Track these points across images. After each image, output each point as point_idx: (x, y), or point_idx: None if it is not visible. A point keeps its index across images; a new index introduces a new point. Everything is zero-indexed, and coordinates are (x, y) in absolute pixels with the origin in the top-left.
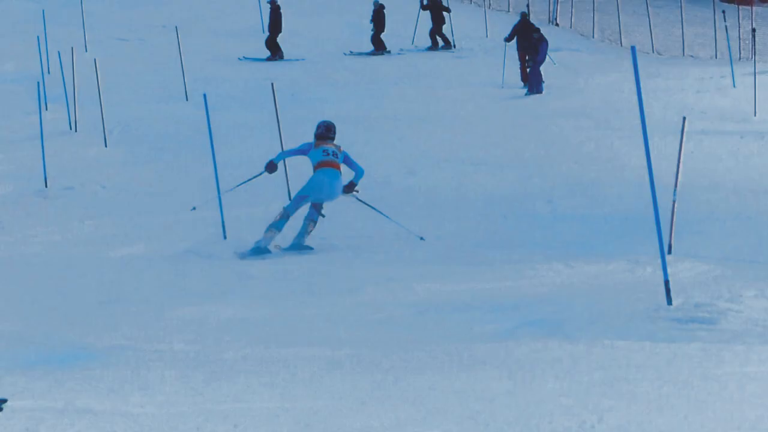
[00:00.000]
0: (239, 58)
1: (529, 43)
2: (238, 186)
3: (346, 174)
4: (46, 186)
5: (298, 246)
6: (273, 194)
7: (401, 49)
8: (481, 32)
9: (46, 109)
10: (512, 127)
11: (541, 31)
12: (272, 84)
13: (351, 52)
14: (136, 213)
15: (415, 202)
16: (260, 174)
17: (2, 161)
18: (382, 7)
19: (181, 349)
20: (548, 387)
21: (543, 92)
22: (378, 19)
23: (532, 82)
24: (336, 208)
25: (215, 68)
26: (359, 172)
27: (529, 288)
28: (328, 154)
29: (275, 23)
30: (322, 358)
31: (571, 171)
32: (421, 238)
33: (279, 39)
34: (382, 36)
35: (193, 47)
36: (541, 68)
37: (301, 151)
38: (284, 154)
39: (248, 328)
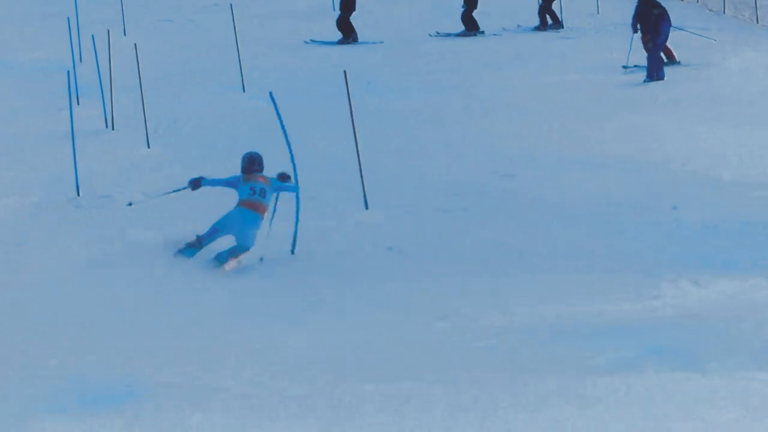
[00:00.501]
0: (306, 42)
1: (648, 21)
2: (160, 196)
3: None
4: (78, 194)
5: (221, 258)
6: (348, 202)
7: (502, 28)
8: (591, 8)
9: (78, 104)
10: (627, 121)
11: (663, 6)
12: (345, 72)
13: (437, 33)
14: (186, 225)
15: (513, 211)
16: (183, 188)
17: (28, 165)
18: None
19: (242, 390)
20: (677, 429)
21: (665, 79)
22: None
23: (652, 67)
24: (410, 214)
25: (277, 54)
26: (295, 189)
27: (650, 310)
28: (255, 193)
29: (348, 0)
30: (414, 396)
31: (699, 173)
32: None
33: (352, 18)
34: (474, 14)
35: (250, 29)
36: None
37: (228, 183)
38: (216, 182)
39: (325, 359)
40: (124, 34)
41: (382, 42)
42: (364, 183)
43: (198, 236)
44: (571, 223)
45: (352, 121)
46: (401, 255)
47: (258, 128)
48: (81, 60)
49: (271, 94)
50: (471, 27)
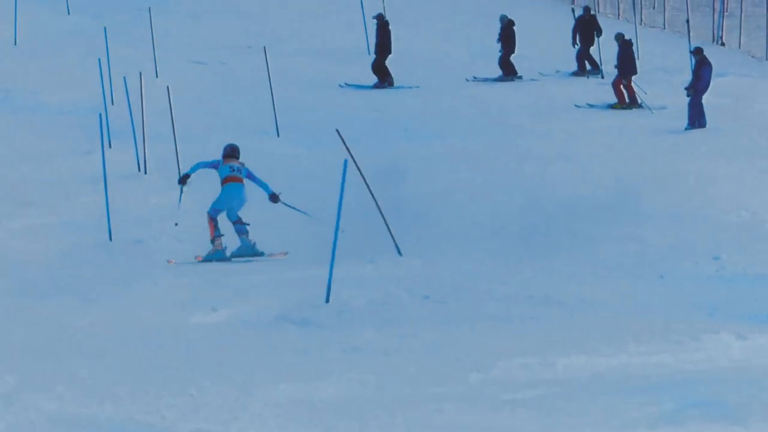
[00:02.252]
0: (340, 85)
1: (629, 63)
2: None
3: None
4: (110, 239)
5: (249, 249)
6: (381, 248)
7: (539, 73)
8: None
9: (110, 147)
10: (668, 169)
11: (704, 52)
12: (337, 131)
13: (474, 77)
14: (218, 271)
15: (555, 257)
16: (181, 194)
17: (60, 209)
18: (511, 23)
19: None
20: None
21: (706, 126)
22: (507, 37)
23: (693, 114)
24: (446, 261)
25: (311, 97)
26: (265, 185)
27: (691, 362)
28: (233, 170)
29: (383, 43)
30: None
31: (742, 222)
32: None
33: (388, 62)
34: (512, 58)
35: (284, 72)
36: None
37: (212, 165)
38: (198, 166)
39: (355, 413)
40: (156, 76)
41: (419, 86)
42: (391, 230)
43: (209, 213)
44: (611, 270)
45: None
46: (438, 304)
47: (292, 174)
48: (113, 102)
49: (340, 133)
50: (508, 72)
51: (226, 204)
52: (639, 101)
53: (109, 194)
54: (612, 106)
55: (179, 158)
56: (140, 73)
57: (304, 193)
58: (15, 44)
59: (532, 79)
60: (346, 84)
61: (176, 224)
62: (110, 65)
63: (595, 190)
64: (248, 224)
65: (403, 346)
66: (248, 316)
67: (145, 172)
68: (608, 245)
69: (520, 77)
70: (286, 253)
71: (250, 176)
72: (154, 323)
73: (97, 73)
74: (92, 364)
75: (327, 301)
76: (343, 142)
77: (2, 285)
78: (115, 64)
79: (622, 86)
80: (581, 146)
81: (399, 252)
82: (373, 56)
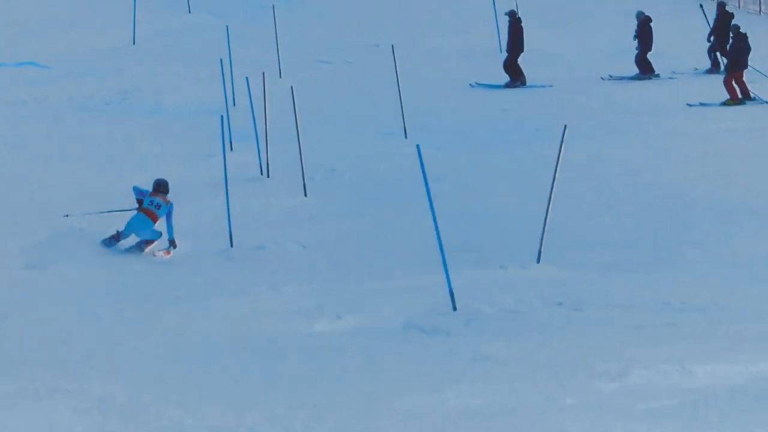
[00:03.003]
0: (471, 85)
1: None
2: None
3: None
4: (231, 245)
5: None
6: (518, 255)
7: (674, 72)
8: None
9: (231, 150)
10: None
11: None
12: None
13: (610, 76)
14: (343, 278)
15: (691, 265)
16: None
17: (179, 215)
18: (648, 19)
19: None
20: None
21: None
22: (644, 34)
23: None
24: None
25: (441, 97)
26: (170, 231)
27: None
28: (153, 204)
29: (516, 41)
30: None
31: None
32: None
33: (520, 60)
34: (649, 55)
35: (413, 71)
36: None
37: (142, 193)
38: (134, 189)
39: (485, 423)
40: (280, 77)
41: (552, 86)
42: (544, 236)
43: (117, 231)
44: (751, 279)
45: None
46: (571, 311)
47: (420, 176)
48: (234, 104)
49: (418, 147)
50: (646, 70)
51: (129, 229)
52: (752, 95)
53: (230, 199)
54: (724, 103)
55: (303, 161)
56: (263, 73)
57: (433, 194)
58: (133, 44)
59: (670, 78)
60: (477, 83)
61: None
62: (232, 65)
63: (734, 192)
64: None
65: (534, 354)
66: (374, 324)
67: (268, 176)
68: (745, 247)
69: (658, 75)
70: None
71: (168, 216)
72: (276, 331)
73: (218, 73)
74: (214, 374)
75: (455, 308)
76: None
77: (120, 293)
78: (237, 64)
79: (732, 82)
80: (727, 150)
81: (539, 258)
82: (505, 54)
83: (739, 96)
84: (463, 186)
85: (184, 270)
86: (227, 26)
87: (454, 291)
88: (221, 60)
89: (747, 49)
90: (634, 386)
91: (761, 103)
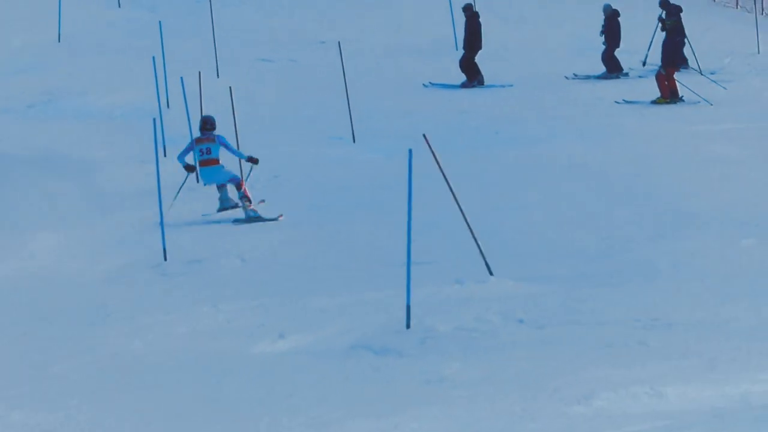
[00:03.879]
0: (425, 85)
1: None
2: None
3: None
4: (165, 259)
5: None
6: (470, 268)
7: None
8: (751, 47)
9: (165, 156)
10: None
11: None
12: (424, 135)
13: (575, 75)
14: (286, 294)
15: (664, 277)
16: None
17: (110, 225)
18: (616, 13)
19: None
20: None
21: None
22: (611, 29)
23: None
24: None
25: (392, 98)
26: (238, 154)
27: None
28: (203, 153)
29: (473, 37)
30: None
31: None
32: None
33: (477, 58)
34: (617, 52)
35: (362, 70)
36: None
37: (187, 149)
38: (181, 156)
39: None
40: (217, 76)
41: (512, 85)
42: (481, 248)
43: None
44: (727, 293)
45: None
46: (533, 329)
47: (371, 185)
48: (168, 105)
49: (410, 152)
50: (613, 68)
51: (209, 182)
52: (680, 95)
53: (163, 208)
54: (654, 101)
55: (242, 167)
56: (199, 73)
57: (383, 204)
58: (59, 41)
59: (640, 76)
60: (430, 83)
61: (263, 200)
62: (165, 64)
63: (708, 201)
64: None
65: (494, 376)
66: (320, 344)
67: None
68: (719, 259)
69: (627, 74)
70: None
71: (225, 145)
72: (214, 352)
73: (150, 72)
74: (146, 397)
75: (408, 326)
76: (431, 150)
77: (42, 311)
78: (171, 63)
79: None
80: (692, 152)
81: (490, 271)
82: (461, 52)
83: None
84: (415, 194)
85: (114, 285)
86: (160, 22)
87: (412, 308)
88: (153, 58)
89: (681, 44)
90: (602, 410)
91: (695, 103)
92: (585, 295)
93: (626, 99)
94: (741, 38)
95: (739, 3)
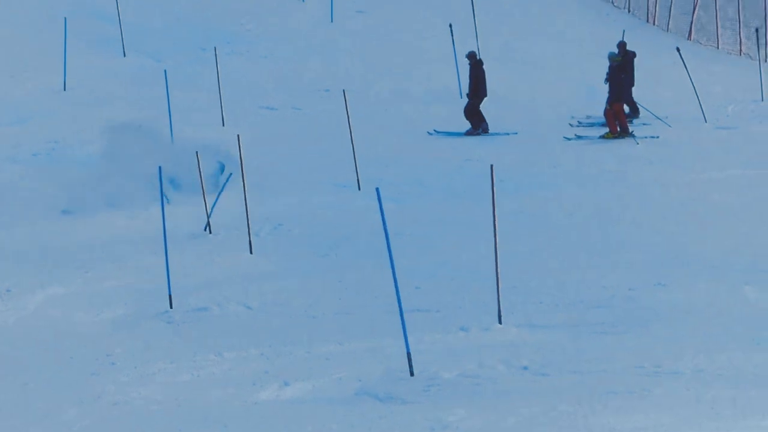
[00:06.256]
0: (429, 132)
1: None
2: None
3: None
4: (171, 306)
5: None
6: (478, 316)
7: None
8: (755, 94)
9: (169, 202)
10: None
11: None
12: (491, 168)
13: (579, 123)
14: (291, 341)
15: (666, 325)
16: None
17: (115, 272)
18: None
19: None
20: None
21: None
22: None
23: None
24: (548, 329)
25: (397, 146)
26: None
27: None
28: None
29: (477, 85)
30: None
31: None
32: None
33: (482, 106)
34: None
35: (366, 118)
36: None
37: None
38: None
39: None
40: (223, 125)
41: (516, 133)
42: (500, 295)
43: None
44: (731, 340)
45: (494, 224)
46: (538, 376)
47: (377, 233)
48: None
49: (378, 191)
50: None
51: None
52: (630, 130)
53: (169, 256)
54: (603, 136)
55: (249, 215)
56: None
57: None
58: (64, 90)
59: (644, 123)
60: (435, 131)
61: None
62: (171, 112)
63: (713, 249)
64: None
65: (498, 423)
66: (324, 391)
67: (210, 232)
68: (724, 305)
69: (631, 120)
70: None
71: None
72: (219, 400)
73: (157, 121)
74: None
75: (411, 374)
76: (380, 202)
77: (47, 359)
78: (176, 111)
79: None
80: (699, 199)
81: (500, 319)
82: (465, 100)
83: (618, 130)
84: (420, 241)
85: (119, 333)
86: (165, 70)
87: (412, 354)
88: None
89: (627, 81)
90: None
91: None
92: (588, 342)
93: (578, 134)
94: (745, 85)
95: (743, 50)
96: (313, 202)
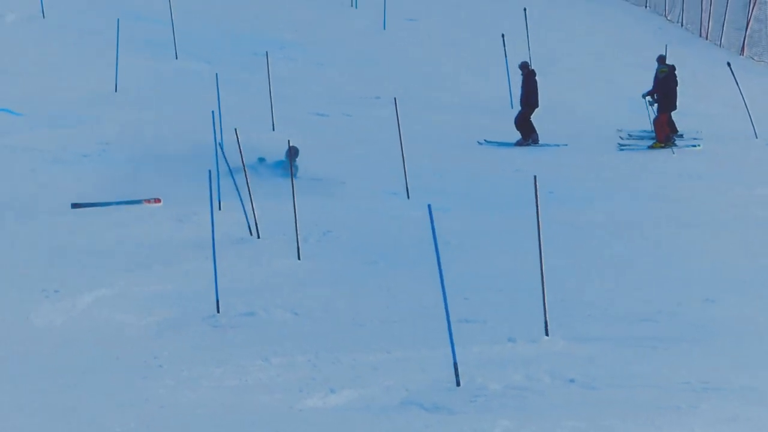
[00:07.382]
0: (479, 142)
1: None
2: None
3: None
4: (218, 311)
5: None
6: (525, 328)
7: (698, 131)
8: None
9: (219, 209)
10: None
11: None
12: (535, 178)
13: (630, 135)
14: (337, 348)
15: (713, 341)
16: None
17: (162, 277)
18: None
19: None
20: None
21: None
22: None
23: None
24: (595, 342)
25: (446, 154)
26: None
27: None
28: None
29: (529, 95)
30: None
31: None
32: None
33: (533, 116)
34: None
35: (416, 126)
36: None
37: None
38: None
39: None
40: (273, 129)
41: (566, 144)
42: (547, 307)
43: None
44: None
45: (539, 234)
46: (585, 389)
47: (426, 242)
48: (225, 158)
49: (429, 207)
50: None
51: None
52: (673, 140)
53: (217, 261)
54: (651, 146)
55: (297, 221)
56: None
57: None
58: (115, 91)
59: (694, 138)
60: (485, 141)
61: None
62: (222, 117)
63: (763, 265)
64: None
65: None
66: (370, 400)
67: (258, 236)
68: None
69: (681, 135)
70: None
71: None
72: (265, 406)
73: (209, 125)
74: None
75: (458, 384)
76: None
77: (93, 363)
78: (226, 115)
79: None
80: (748, 215)
81: (546, 331)
82: (517, 109)
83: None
84: (469, 252)
85: (166, 337)
86: (216, 74)
87: (459, 365)
88: (213, 113)
89: (673, 91)
90: None
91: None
92: (635, 357)
93: (627, 145)
94: None
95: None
96: (362, 209)
